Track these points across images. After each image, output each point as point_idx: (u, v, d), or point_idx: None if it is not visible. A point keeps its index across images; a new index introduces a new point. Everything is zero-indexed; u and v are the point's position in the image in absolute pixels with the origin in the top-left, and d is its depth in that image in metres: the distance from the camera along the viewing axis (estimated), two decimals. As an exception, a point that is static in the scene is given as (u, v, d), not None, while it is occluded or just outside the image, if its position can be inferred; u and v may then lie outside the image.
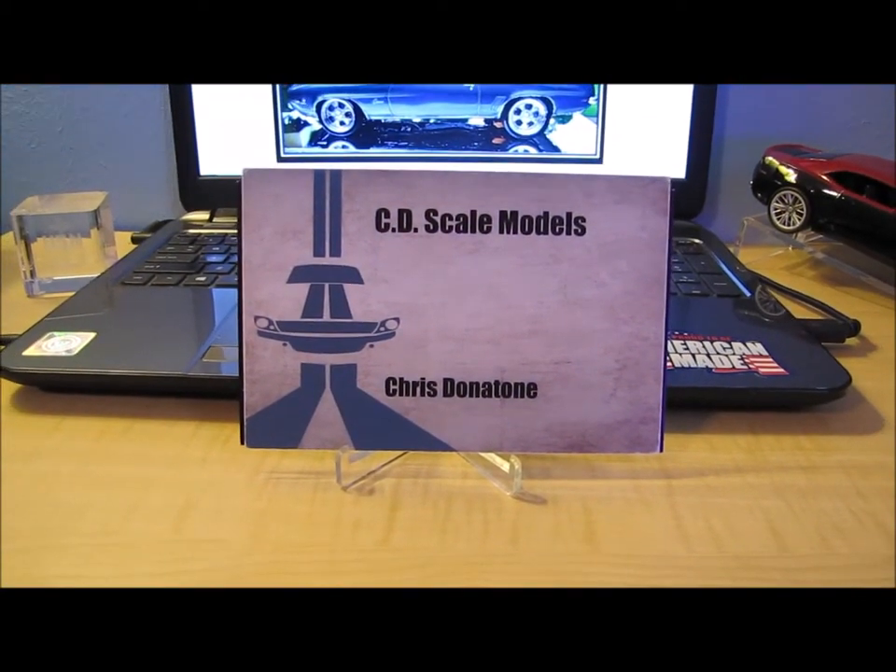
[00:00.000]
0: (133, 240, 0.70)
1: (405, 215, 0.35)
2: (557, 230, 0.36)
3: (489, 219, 0.35)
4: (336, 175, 0.35)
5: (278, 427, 0.37)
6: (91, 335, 0.47)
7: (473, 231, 0.36)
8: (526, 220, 0.36)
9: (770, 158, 0.66)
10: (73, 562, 0.32)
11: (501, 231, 0.36)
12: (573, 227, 0.36)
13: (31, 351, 0.45)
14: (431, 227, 0.36)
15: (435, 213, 0.35)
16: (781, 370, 0.43)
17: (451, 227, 0.36)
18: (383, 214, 0.35)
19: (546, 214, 0.36)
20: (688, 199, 0.71)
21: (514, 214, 0.36)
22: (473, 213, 0.35)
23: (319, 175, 0.35)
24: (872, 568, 0.32)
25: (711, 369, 0.43)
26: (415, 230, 0.36)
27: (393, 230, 0.36)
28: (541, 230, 0.36)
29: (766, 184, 0.65)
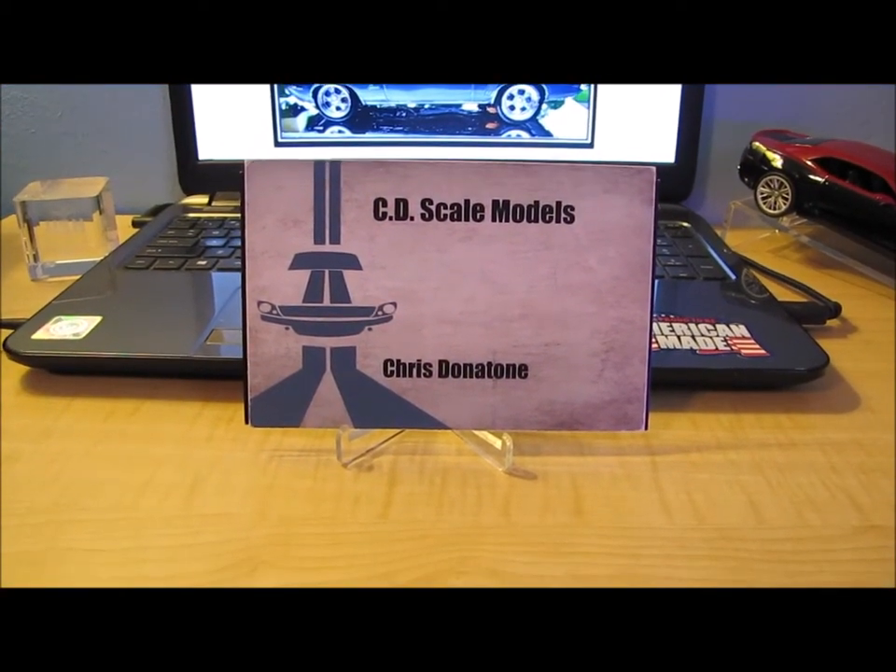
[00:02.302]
0: (134, 224, 0.72)
1: (401, 204, 0.37)
2: (547, 218, 0.37)
3: (482, 208, 0.37)
4: (335, 165, 0.37)
5: (281, 407, 0.38)
6: (98, 318, 0.48)
7: (467, 219, 0.37)
8: (518, 209, 0.37)
9: (757, 143, 0.67)
10: (91, 535, 0.34)
11: (494, 220, 0.37)
12: (563, 215, 0.37)
13: (39, 335, 0.47)
14: (427, 215, 0.37)
15: (430, 202, 0.37)
16: (763, 351, 0.45)
17: (445, 215, 0.37)
18: (380, 203, 0.37)
19: (537, 203, 0.37)
20: (677, 182, 0.72)
21: (506, 203, 0.37)
22: (467, 202, 0.37)
23: (319, 165, 0.37)
24: (842, 539, 0.34)
25: (696, 350, 0.45)
26: (411, 218, 0.37)
27: (390, 218, 0.37)
28: (532, 218, 0.37)
29: (753, 169, 0.67)
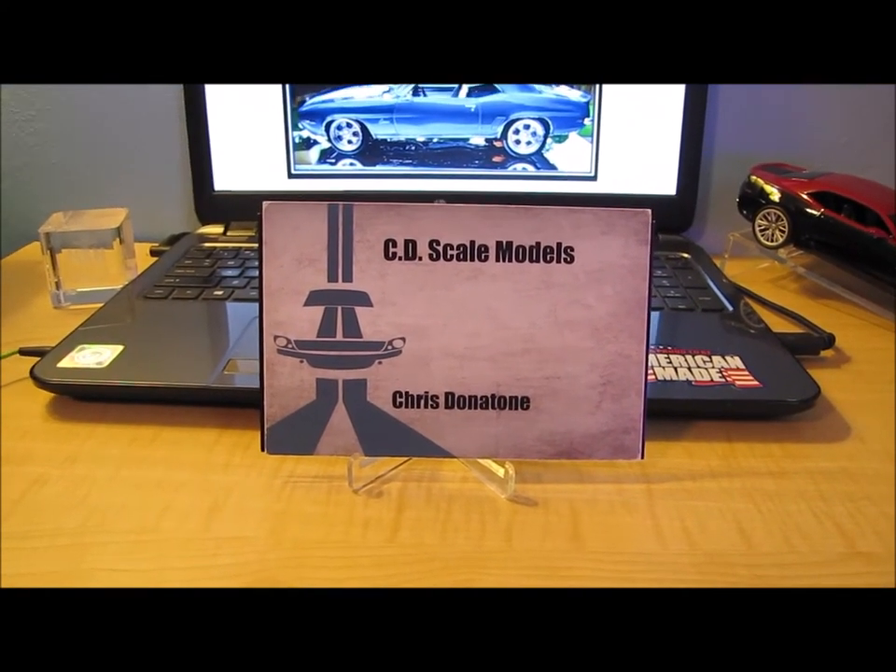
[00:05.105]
0: (152, 252, 0.74)
1: (410, 244, 0.39)
2: (548, 258, 0.39)
3: (487, 249, 0.39)
4: (348, 208, 0.39)
5: (295, 436, 0.40)
6: (120, 347, 0.51)
7: (472, 259, 0.39)
8: (520, 250, 0.39)
9: (755, 177, 0.69)
10: (114, 557, 0.36)
11: (498, 260, 0.39)
12: (563, 256, 0.39)
13: (64, 363, 0.49)
14: (434, 256, 0.39)
15: (438, 243, 0.39)
16: (756, 382, 0.47)
17: (452, 256, 0.39)
18: (390, 244, 0.39)
19: (538, 244, 0.39)
20: (678, 214, 0.74)
21: (509, 244, 0.39)
22: (472, 243, 0.39)
23: (333, 208, 0.39)
24: (827, 565, 0.36)
25: (691, 381, 0.47)
26: (420, 258, 0.39)
27: (400, 258, 0.39)
28: (534, 258, 0.39)
29: (751, 202, 0.69)
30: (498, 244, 0.39)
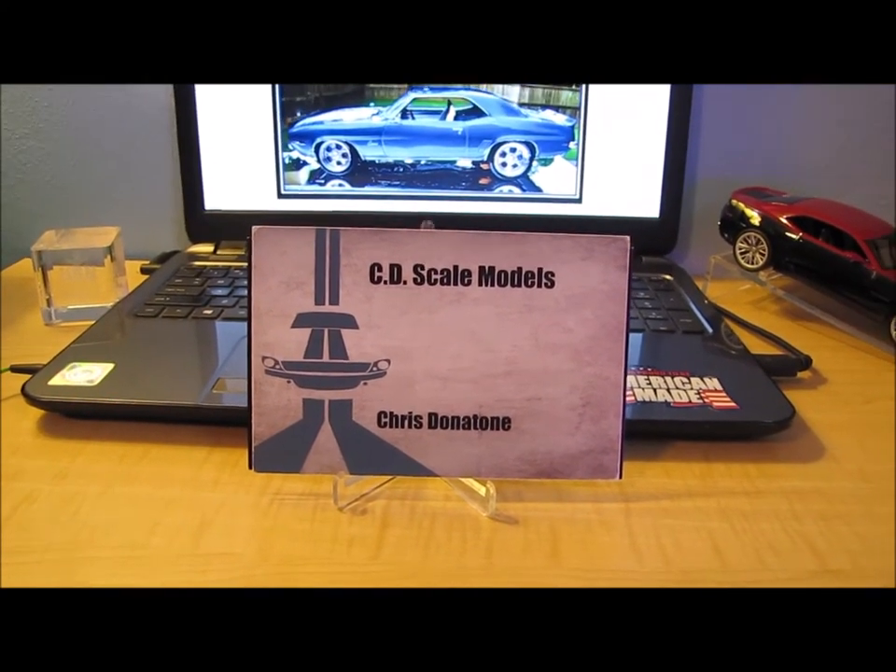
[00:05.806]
0: (143, 270, 0.75)
1: (396, 269, 0.40)
2: (530, 283, 0.41)
3: (470, 274, 0.40)
4: (335, 233, 0.40)
5: (282, 454, 0.41)
6: (111, 366, 0.52)
7: (456, 283, 0.40)
8: (502, 275, 0.40)
9: (736, 200, 0.71)
10: (104, 572, 0.37)
11: (480, 284, 0.40)
12: (544, 280, 0.41)
13: (56, 380, 0.50)
14: (419, 280, 0.40)
15: (422, 267, 0.40)
16: (733, 403, 0.48)
17: (436, 280, 0.40)
18: (376, 268, 0.40)
19: (520, 269, 0.40)
20: (661, 237, 0.75)
21: (492, 269, 0.40)
22: (456, 268, 0.40)
23: (321, 233, 0.40)
24: (797, 581, 0.37)
25: (670, 403, 0.48)
26: (405, 282, 0.40)
27: (385, 282, 0.40)
28: (516, 283, 0.41)
29: (732, 225, 0.70)
30: (481, 268, 0.40)
